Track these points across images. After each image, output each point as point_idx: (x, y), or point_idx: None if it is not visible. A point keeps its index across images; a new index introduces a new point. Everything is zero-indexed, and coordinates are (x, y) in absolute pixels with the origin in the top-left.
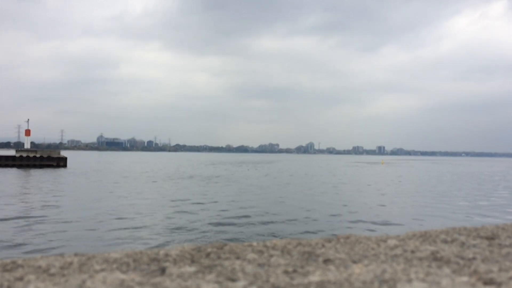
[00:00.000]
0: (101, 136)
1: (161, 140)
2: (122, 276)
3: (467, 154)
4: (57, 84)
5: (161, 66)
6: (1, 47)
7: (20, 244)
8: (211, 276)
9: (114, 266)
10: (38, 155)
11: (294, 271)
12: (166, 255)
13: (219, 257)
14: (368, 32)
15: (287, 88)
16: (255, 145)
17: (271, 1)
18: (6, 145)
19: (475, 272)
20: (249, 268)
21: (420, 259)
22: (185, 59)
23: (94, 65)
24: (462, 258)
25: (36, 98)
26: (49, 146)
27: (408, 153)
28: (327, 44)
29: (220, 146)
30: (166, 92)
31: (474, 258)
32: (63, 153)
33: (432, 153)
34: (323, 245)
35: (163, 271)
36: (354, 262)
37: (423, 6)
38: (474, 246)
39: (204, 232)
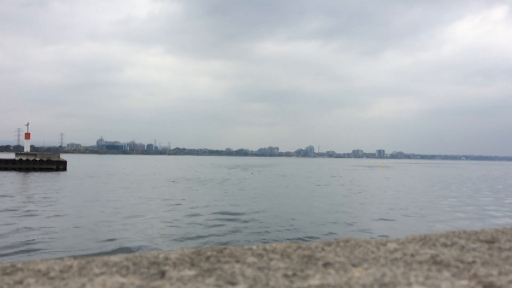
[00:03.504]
0: (101, 140)
1: (161, 143)
2: (122, 279)
3: (467, 157)
4: (59, 87)
5: (164, 69)
6: (6, 51)
7: (19, 248)
8: (210, 280)
9: (114, 269)
10: (37, 159)
11: (294, 274)
12: (166, 258)
13: (218, 261)
14: (370, 37)
15: (288, 91)
16: (255, 148)
17: (273, 6)
18: (6, 148)
19: (475, 275)
20: (249, 271)
21: (420, 262)
22: (188, 63)
23: (97, 69)
24: (462, 261)
25: (37, 102)
26: (49, 150)
27: (408, 156)
28: (329, 48)
29: (220, 149)
30: (168, 96)
31: (473, 262)
32: (63, 156)
33: (432, 157)
34: (322, 249)
35: (162, 274)
36: (354, 265)
37: (425, 11)
38: (474, 249)
39: (203, 235)
